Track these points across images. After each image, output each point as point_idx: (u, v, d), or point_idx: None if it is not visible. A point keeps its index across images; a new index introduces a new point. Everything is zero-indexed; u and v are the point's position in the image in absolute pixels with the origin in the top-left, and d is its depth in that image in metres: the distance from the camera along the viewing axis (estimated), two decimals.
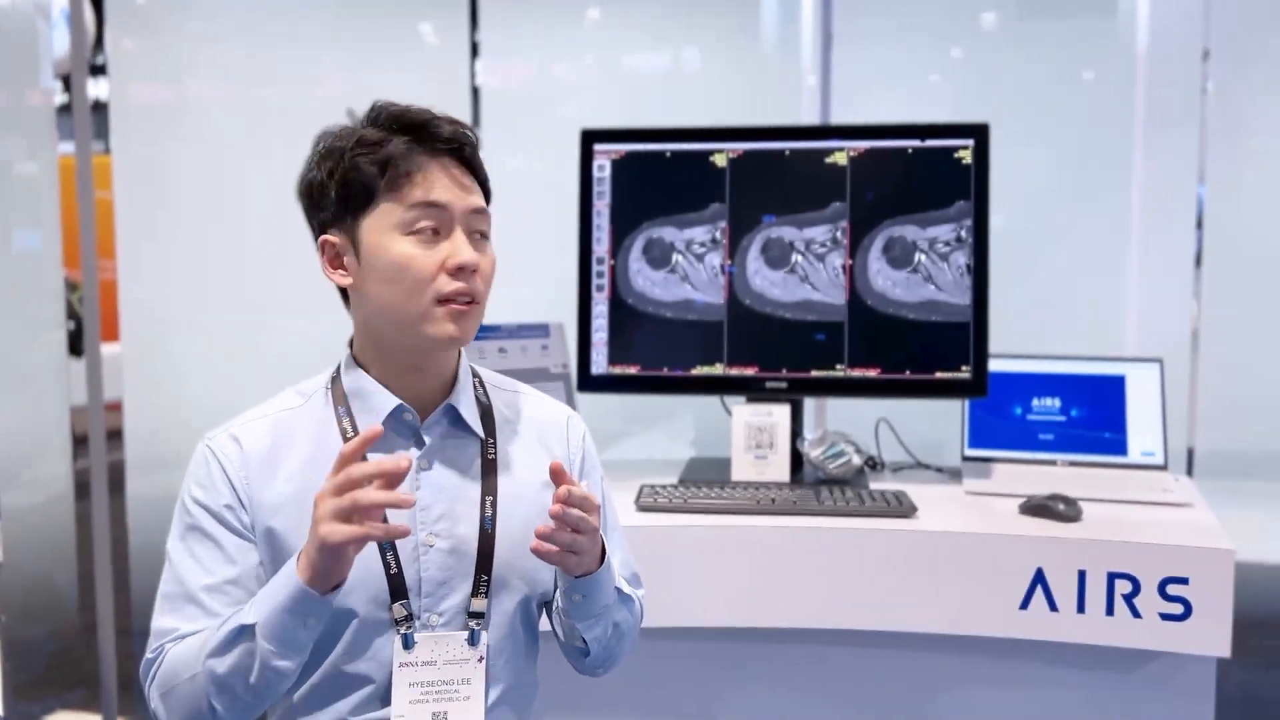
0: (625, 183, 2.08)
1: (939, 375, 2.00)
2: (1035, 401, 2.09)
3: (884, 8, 2.54)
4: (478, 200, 1.22)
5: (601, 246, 2.09)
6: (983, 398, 2.00)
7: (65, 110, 2.69)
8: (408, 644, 1.19)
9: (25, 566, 2.57)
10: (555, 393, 1.85)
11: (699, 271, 2.06)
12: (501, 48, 2.59)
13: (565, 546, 1.13)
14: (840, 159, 2.04)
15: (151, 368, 2.57)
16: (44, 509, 2.66)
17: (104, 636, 2.59)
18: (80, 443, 2.63)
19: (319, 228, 1.22)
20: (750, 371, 2.05)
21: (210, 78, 2.60)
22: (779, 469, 1.98)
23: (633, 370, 2.07)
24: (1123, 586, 1.66)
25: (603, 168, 2.09)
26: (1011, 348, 2.11)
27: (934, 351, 1.99)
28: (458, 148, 1.20)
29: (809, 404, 2.31)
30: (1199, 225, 2.45)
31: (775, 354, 2.04)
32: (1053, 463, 2.05)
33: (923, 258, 2.01)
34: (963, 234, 1.99)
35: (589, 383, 2.08)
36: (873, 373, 2.01)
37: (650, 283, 2.07)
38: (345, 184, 1.17)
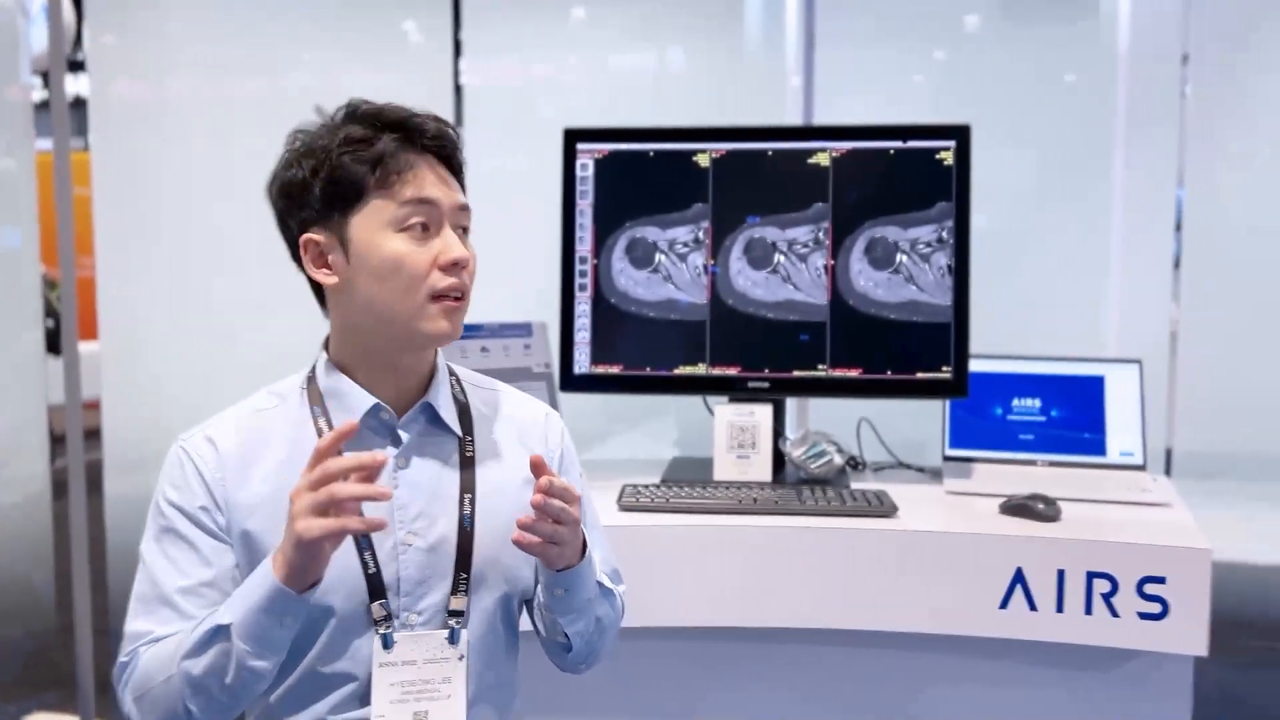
0: (608, 182, 2.08)
1: (920, 375, 2.00)
2: (1015, 402, 2.10)
3: (867, 9, 2.55)
4: (463, 197, 1.23)
5: (584, 246, 2.08)
6: (963, 398, 2.01)
7: (42, 107, 2.67)
8: (387, 643, 1.18)
9: (2, 566, 2.55)
10: (538, 392, 1.85)
11: (682, 271, 2.06)
12: (485, 46, 2.59)
13: (547, 538, 1.14)
14: (823, 160, 2.04)
15: (131, 366, 2.55)
16: (21, 508, 2.64)
17: (81, 637, 2.57)
18: (58, 442, 2.61)
19: (299, 226, 1.21)
20: (733, 371, 2.05)
21: (191, 75, 2.59)
22: (761, 469, 1.98)
23: (615, 370, 2.07)
24: (1101, 586, 1.67)
25: (586, 167, 2.09)
26: (992, 348, 2.12)
27: (915, 352, 2.00)
28: (442, 145, 1.21)
29: (791, 404, 2.32)
30: (1178, 227, 2.47)
31: (757, 354, 2.04)
32: (1033, 463, 2.06)
33: (904, 258, 2.02)
34: (944, 235, 2.00)
35: (572, 382, 2.08)
36: (854, 373, 2.02)
37: (633, 282, 2.07)
38: (333, 182, 1.17)
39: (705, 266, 2.05)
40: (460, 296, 1.20)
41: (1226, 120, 2.43)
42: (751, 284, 2.05)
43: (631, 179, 2.08)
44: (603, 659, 1.35)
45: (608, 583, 1.32)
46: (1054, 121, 2.48)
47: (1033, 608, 1.69)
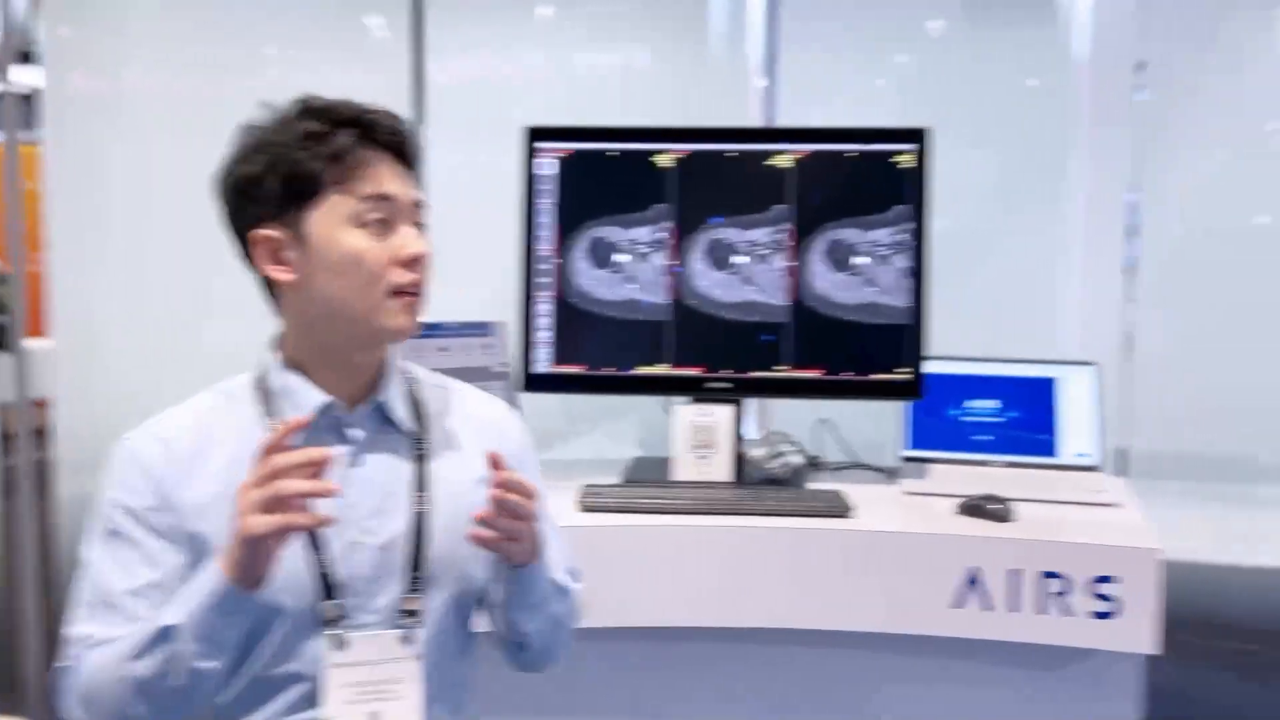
0: (571, 181, 2.08)
1: (878, 377, 2.02)
2: (973, 403, 2.12)
3: (832, 13, 2.56)
4: (419, 193, 1.22)
5: (546, 245, 2.08)
6: (920, 399, 2.03)
7: None
8: (340, 644, 1.17)
9: None
10: (497, 392, 1.84)
11: (644, 271, 2.06)
12: (449, 44, 2.56)
13: (504, 533, 1.13)
14: (785, 162, 2.05)
15: (85, 364, 2.50)
16: None
17: (28, 639, 2.52)
18: (7, 440, 2.56)
19: (251, 222, 1.19)
20: (694, 372, 2.05)
21: (150, 69, 2.54)
22: (721, 469, 1.99)
23: (576, 370, 2.07)
24: (1054, 585, 1.69)
25: (548, 165, 2.08)
26: (951, 350, 2.14)
27: (874, 353, 2.01)
28: (398, 141, 1.20)
29: (752, 404, 2.32)
30: (1135, 231, 2.50)
31: (719, 354, 2.05)
32: (989, 463, 2.08)
33: (864, 260, 2.03)
34: (903, 237, 2.02)
35: (532, 382, 2.07)
36: (814, 374, 2.03)
37: (595, 282, 2.07)
38: (290, 177, 1.16)
39: (667, 267, 2.05)
40: (419, 292, 1.19)
41: (1182, 125, 2.47)
42: (713, 285, 2.05)
43: (594, 178, 2.08)
44: (560, 658, 1.35)
45: (564, 581, 1.31)
46: (1015, 125, 2.50)
47: (987, 607, 1.71)
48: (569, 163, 2.08)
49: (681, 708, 1.88)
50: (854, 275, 2.03)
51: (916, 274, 2.01)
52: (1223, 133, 2.46)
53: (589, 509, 1.82)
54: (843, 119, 2.13)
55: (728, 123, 2.32)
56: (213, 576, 1.06)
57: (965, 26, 2.60)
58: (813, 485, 1.97)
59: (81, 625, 1.15)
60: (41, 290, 2.47)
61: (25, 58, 2.60)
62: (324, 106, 1.19)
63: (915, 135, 2.03)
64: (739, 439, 2.03)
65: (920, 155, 2.03)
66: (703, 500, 1.83)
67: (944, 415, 2.12)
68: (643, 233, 2.06)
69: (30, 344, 2.48)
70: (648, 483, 1.93)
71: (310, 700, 1.17)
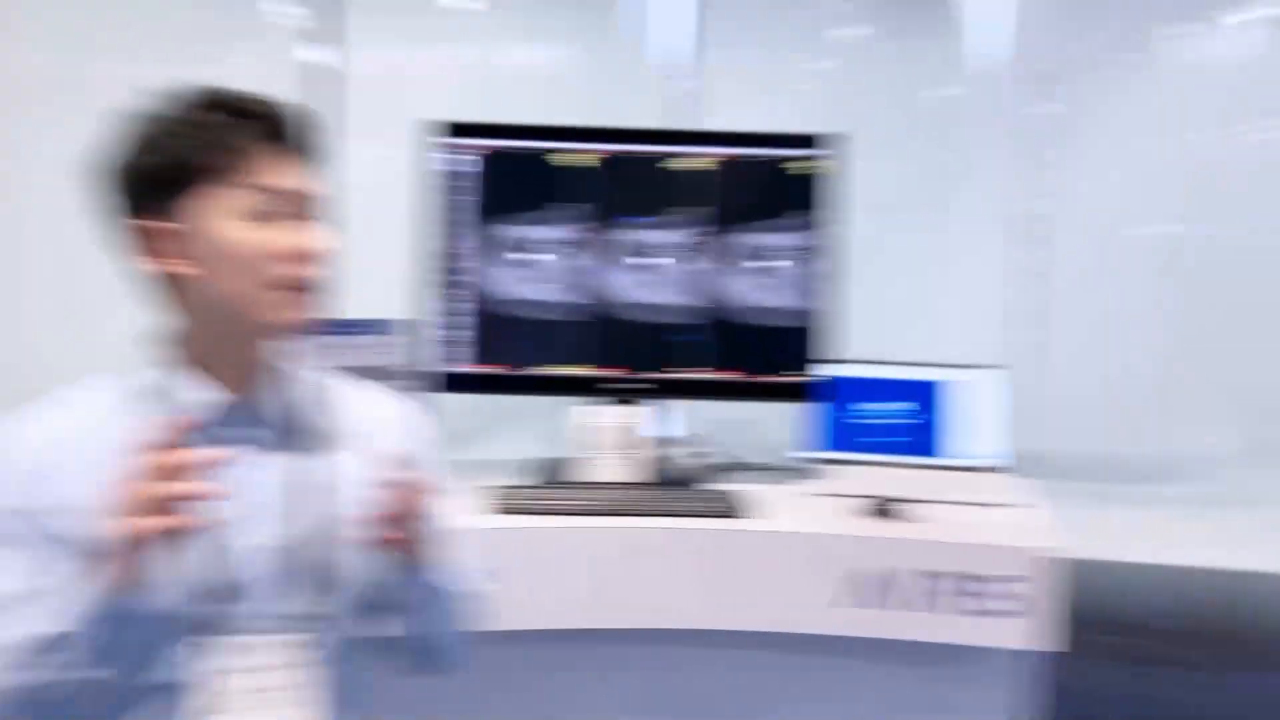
0: (488, 178, 2.07)
1: (788, 378, 2.05)
2: (881, 405, 2.15)
3: (755, 18, 2.58)
4: (314, 184, 1.18)
5: (461, 243, 2.06)
6: (829, 401, 2.06)
7: None
8: (236, 649, 1.15)
9: None
10: (401, 391, 1.82)
11: (560, 271, 2.06)
12: (361, 34, 2.52)
13: (398, 534, 1.12)
14: (702, 164, 2.07)
15: None
16: None
17: None
18: None
19: (132, 213, 1.15)
20: (608, 372, 2.06)
21: (26, 49, 2.45)
22: (634, 470, 2.00)
23: (490, 370, 2.06)
24: (957, 585, 1.73)
25: (465, 162, 2.07)
26: (861, 353, 2.17)
27: (784, 355, 2.04)
28: (291, 131, 1.16)
29: (665, 404, 2.34)
30: (1046, 239, 2.56)
31: (632, 355, 2.06)
32: (896, 465, 2.11)
33: (777, 264, 2.05)
34: (816, 241, 2.04)
35: (453, 382, 2.06)
36: (726, 375, 2.05)
37: (511, 281, 2.06)
38: (176, 167, 1.12)
39: (583, 267, 2.06)
40: (309, 287, 1.15)
41: (1092, 135, 2.54)
42: (629, 285, 2.06)
43: (512, 176, 2.07)
44: (457, 662, 1.34)
45: (460, 583, 1.31)
46: (931, 133, 2.55)
47: (888, 606, 1.74)
48: (488, 159, 2.07)
49: (584, 709, 1.89)
50: (765, 278, 2.06)
51: (826, 278, 2.04)
52: (1128, 141, 2.54)
53: (501, 510, 1.81)
54: (763, 124, 2.15)
55: (647, 125, 2.32)
56: (93, 583, 1.03)
57: (884, 36, 2.65)
58: (719, 486, 1.99)
59: None
60: None
61: None
62: (215, 96, 1.15)
63: (830, 141, 2.06)
64: (655, 440, 2.04)
65: (835, 161, 2.06)
66: (607, 502, 1.83)
67: (852, 417, 2.15)
68: (560, 232, 2.06)
69: None
70: (560, 484, 1.93)
71: (205, 708, 1.15)
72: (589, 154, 2.06)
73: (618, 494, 1.87)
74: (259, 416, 1.20)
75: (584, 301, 2.05)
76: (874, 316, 2.29)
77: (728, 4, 2.56)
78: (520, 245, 2.06)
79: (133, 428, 1.13)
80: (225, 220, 1.12)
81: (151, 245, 1.14)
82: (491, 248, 2.06)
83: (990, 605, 1.72)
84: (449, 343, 2.05)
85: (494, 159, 2.07)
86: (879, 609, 1.74)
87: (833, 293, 2.04)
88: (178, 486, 0.99)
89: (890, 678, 1.86)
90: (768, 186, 2.06)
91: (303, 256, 1.14)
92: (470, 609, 1.33)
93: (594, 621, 1.78)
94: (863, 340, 2.17)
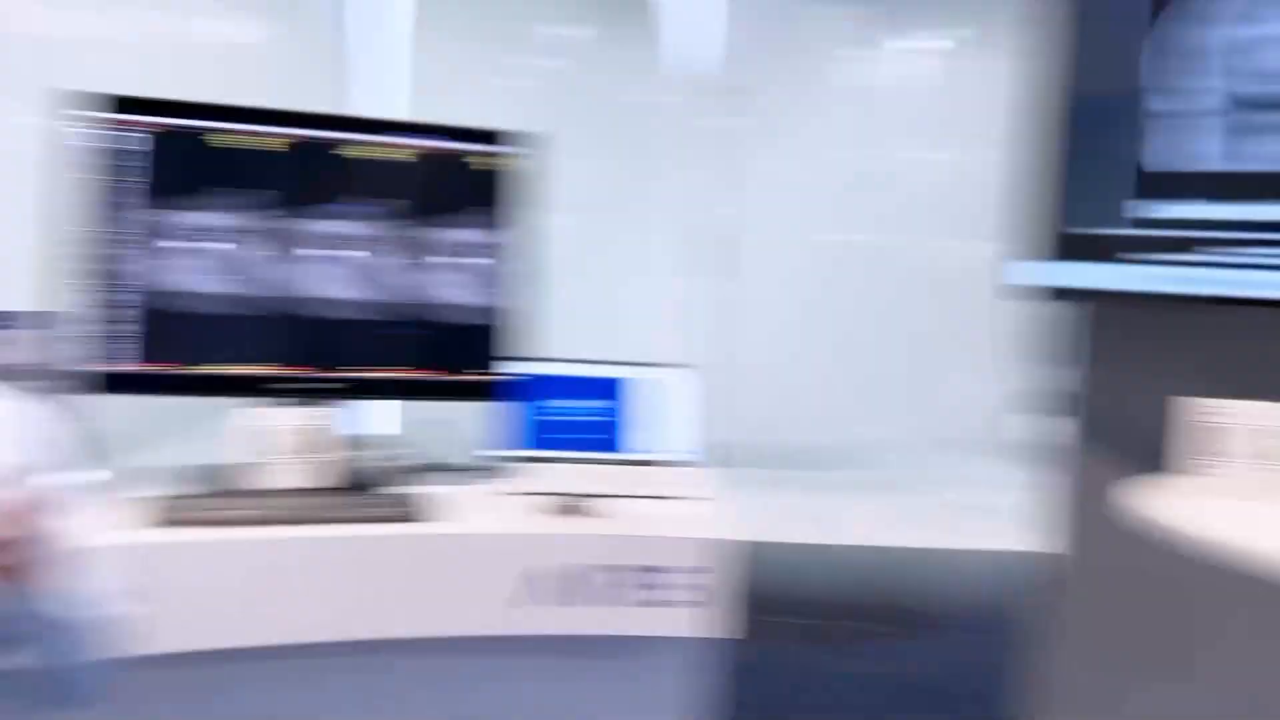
0: (158, 159, 1.91)
1: (481, 376, 2.03)
2: (575, 403, 2.18)
3: (468, 11, 2.54)
4: None
5: (123, 229, 1.89)
6: (523, 400, 2.06)
7: None
8: None
9: None
10: (34, 393, 1.64)
11: (238, 262, 1.93)
12: None
13: (6, 559, 1.01)
14: (393, 155, 2.00)
15: None
16: None
17: None
18: None
19: None
20: (291, 371, 1.96)
21: None
22: (317, 475, 1.91)
23: (157, 369, 1.90)
24: (638, 578, 1.78)
25: (132, 140, 1.90)
26: (555, 351, 2.19)
27: (477, 353, 2.02)
28: None
29: (354, 405, 2.26)
30: (736, 243, 2.69)
31: (318, 353, 1.97)
32: (589, 461, 2.15)
33: (470, 260, 2.03)
34: (511, 238, 2.04)
35: (105, 382, 1.88)
36: (418, 374, 2.00)
37: (182, 272, 1.91)
38: None
39: (264, 258, 1.94)
40: None
41: (778, 146, 2.69)
42: (313, 279, 1.97)
43: (185, 158, 1.92)
44: (93, 694, 1.22)
45: (94, 608, 1.20)
46: (633, 136, 2.61)
47: (570, 603, 1.76)
48: (161, 139, 1.90)
49: None
50: (458, 274, 2.03)
51: (520, 276, 2.04)
52: (812, 155, 2.72)
53: (165, 523, 1.68)
54: (468, 118, 2.11)
55: (347, 111, 2.23)
56: None
57: (595, 39, 2.69)
58: (404, 489, 1.94)
59: None
60: None
61: None
62: None
63: (527, 139, 2.06)
64: (342, 443, 1.96)
65: (531, 159, 2.06)
66: (272, 510, 1.74)
67: (544, 415, 2.17)
68: (241, 220, 1.93)
69: None
70: (231, 493, 1.81)
71: None
72: (273, 138, 1.95)
73: (292, 501, 1.78)
74: None
75: (264, 295, 1.94)
76: (570, 314, 2.32)
77: None
78: (193, 233, 1.91)
79: None
80: None
81: None
82: (160, 235, 1.90)
83: (670, 596, 1.78)
84: (109, 339, 1.88)
85: (165, 138, 1.91)
86: (560, 606, 1.76)
87: (527, 290, 2.04)
88: None
89: (577, 673, 1.89)
90: (460, 181, 2.03)
91: None
92: (106, 635, 1.22)
93: (260, 638, 1.68)
94: (559, 338, 2.19)
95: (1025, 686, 2.34)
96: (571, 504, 1.86)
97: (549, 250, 2.15)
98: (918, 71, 3.00)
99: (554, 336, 2.19)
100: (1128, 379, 2.15)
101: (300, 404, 1.94)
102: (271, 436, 1.90)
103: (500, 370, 2.03)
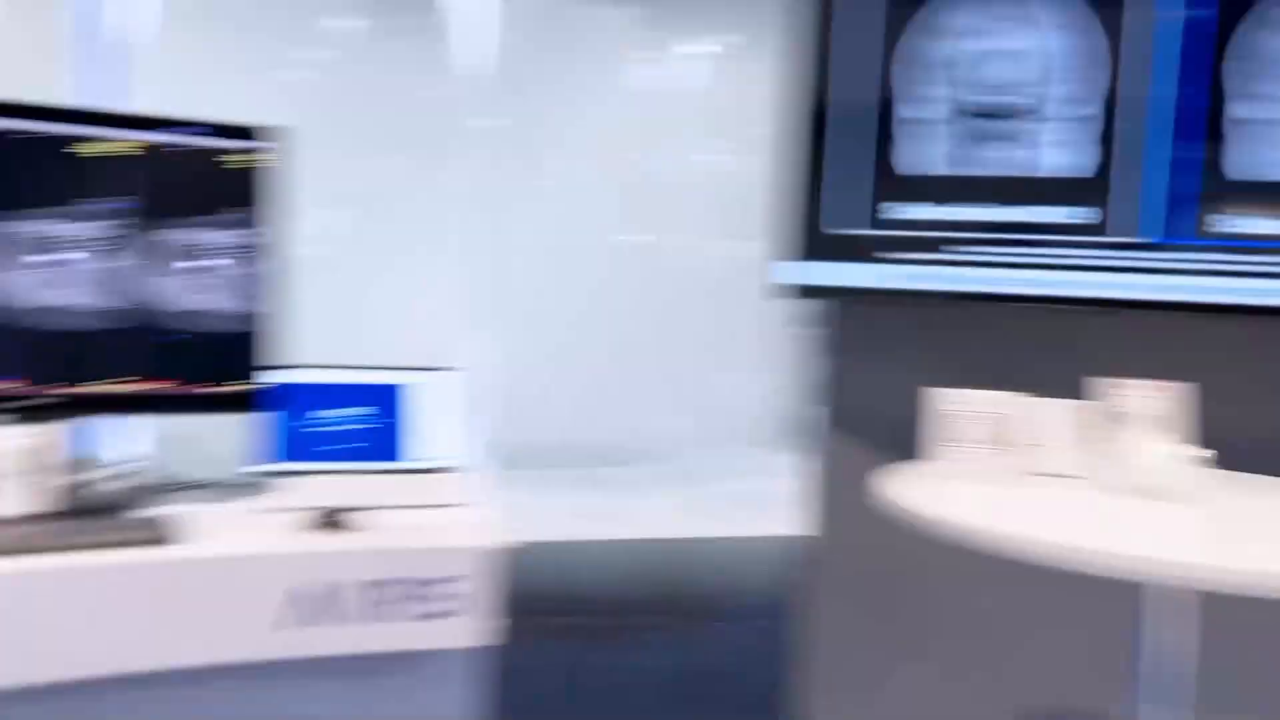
0: None
1: (231, 388, 1.90)
2: (338, 412, 2.09)
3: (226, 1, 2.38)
4: None
5: None
6: (281, 410, 1.95)
7: None
8: None
9: None
10: None
11: None
12: None
13: None
14: (124, 150, 1.84)
15: None
16: None
17: None
18: None
19: None
20: (4, 386, 1.77)
21: None
22: (41, 500, 1.73)
23: None
24: (403, 591, 1.71)
25: None
26: (313, 357, 2.09)
27: (226, 362, 1.89)
28: None
29: (83, 422, 2.08)
30: (506, 244, 2.66)
31: (37, 366, 1.78)
32: (355, 472, 2.06)
33: (214, 263, 1.90)
34: (261, 239, 1.92)
35: None
36: (157, 386, 1.85)
37: None
38: None
39: None
40: None
41: (561, 146, 2.68)
42: (30, 285, 1.78)
43: None
44: None
45: None
46: (408, 133, 2.53)
47: (333, 621, 1.68)
48: None
49: None
50: (201, 279, 1.89)
51: (273, 279, 1.92)
52: (594, 157, 2.72)
53: None
54: (234, 112, 1.97)
55: (80, 103, 2.04)
56: None
57: (366, 34, 2.58)
58: (151, 511, 1.79)
59: None
60: None
61: None
62: None
63: (277, 134, 1.94)
64: (70, 464, 1.79)
65: (282, 155, 1.94)
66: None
67: (302, 425, 2.06)
68: None
69: None
70: None
71: None
72: None
73: (17, 530, 1.61)
74: None
75: None
76: (337, 317, 2.22)
77: None
78: None
79: None
80: None
81: None
82: None
83: (441, 607, 1.73)
84: None
85: None
86: (327, 625, 1.67)
87: (281, 294, 1.93)
88: None
89: (348, 694, 1.80)
90: (202, 179, 1.89)
91: None
92: None
93: (17, 678, 1.51)
94: (324, 343, 2.09)
95: (794, 668, 2.43)
96: (335, 518, 1.77)
97: (314, 251, 2.05)
98: (694, 75, 3.07)
99: (319, 342, 2.09)
100: (880, 371, 2.27)
101: (19, 422, 1.75)
102: None
103: (255, 380, 1.91)
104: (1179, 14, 2.00)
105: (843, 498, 2.16)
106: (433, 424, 2.13)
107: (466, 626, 1.73)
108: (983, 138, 2.10)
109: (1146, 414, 1.80)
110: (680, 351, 3.11)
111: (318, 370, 2.08)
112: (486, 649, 1.84)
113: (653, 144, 3.02)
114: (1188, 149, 2.02)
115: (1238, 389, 1.97)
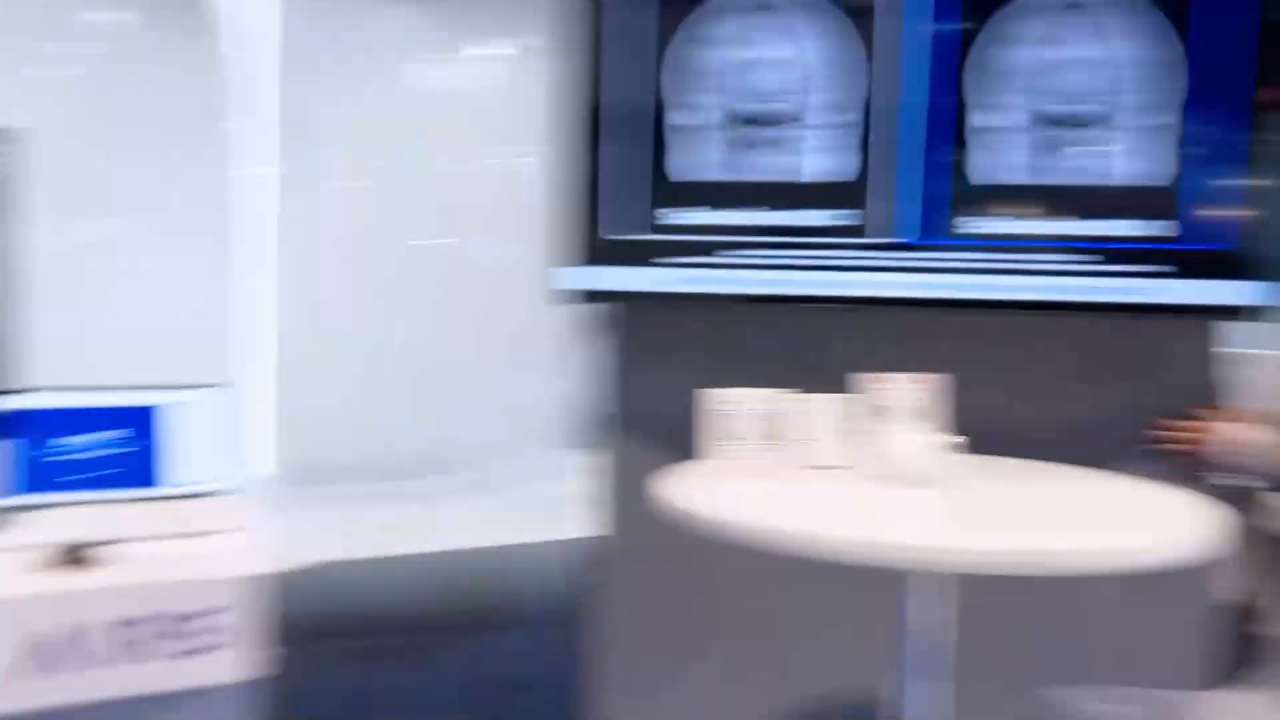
0: None
1: None
2: (87, 437, 1.93)
3: None
4: None
5: None
6: (17, 438, 1.79)
7: None
8: None
9: None
10: None
11: None
12: None
13: None
14: None
15: None
16: None
17: None
18: None
19: None
20: None
21: None
22: None
23: None
24: (159, 628, 1.60)
25: None
26: (60, 378, 1.92)
27: None
28: None
29: None
30: (283, 251, 2.54)
31: None
32: (107, 502, 1.91)
33: None
34: None
35: None
36: None
37: None
38: None
39: None
40: None
41: (331, 152, 2.57)
42: None
43: None
44: None
45: None
46: (170, 136, 2.37)
47: (81, 667, 1.55)
48: None
49: None
50: None
51: (4, 294, 1.76)
52: (382, 161, 2.63)
53: None
54: None
55: None
56: None
57: (134, 26, 2.41)
58: None
59: None
60: None
61: None
62: None
63: (7, 136, 1.78)
64: None
65: (11, 159, 1.78)
66: None
67: (43, 454, 1.90)
68: None
69: None
70: None
71: None
72: None
73: None
74: None
75: None
76: (88, 333, 2.06)
77: None
78: None
79: None
80: None
81: None
82: None
83: (197, 643, 1.62)
84: None
85: None
86: (68, 672, 1.54)
87: (16, 311, 1.77)
88: None
89: None
90: None
91: None
92: None
93: None
94: (71, 363, 1.93)
95: (587, 673, 2.43)
96: (79, 554, 1.64)
97: (63, 262, 1.89)
98: (489, 77, 3.02)
99: (67, 361, 1.92)
100: (663, 372, 2.30)
101: None
102: None
103: None
104: (927, 27, 2.12)
105: (631, 499, 2.18)
106: (195, 446, 2.01)
107: (232, 660, 1.64)
108: (751, 144, 2.17)
109: (906, 405, 1.89)
110: (481, 356, 3.07)
111: (61, 393, 1.92)
112: (257, 682, 1.74)
113: (447, 146, 2.96)
114: (939, 154, 2.14)
115: (988, 378, 2.10)
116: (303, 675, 1.92)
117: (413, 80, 2.85)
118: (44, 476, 1.87)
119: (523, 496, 3.25)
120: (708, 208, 2.19)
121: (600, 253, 2.23)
